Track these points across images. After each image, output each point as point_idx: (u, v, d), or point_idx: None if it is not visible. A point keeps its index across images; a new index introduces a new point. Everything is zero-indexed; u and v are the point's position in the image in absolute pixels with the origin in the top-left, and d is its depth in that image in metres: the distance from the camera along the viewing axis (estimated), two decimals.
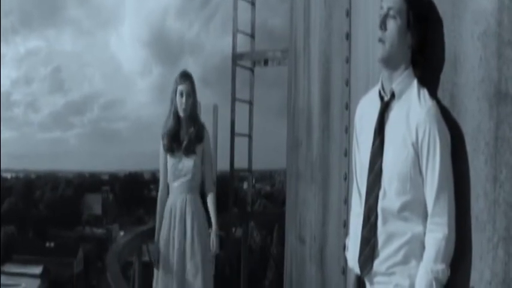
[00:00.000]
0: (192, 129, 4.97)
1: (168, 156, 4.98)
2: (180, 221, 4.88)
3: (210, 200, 5.08)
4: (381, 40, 2.51)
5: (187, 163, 4.93)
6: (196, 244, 4.87)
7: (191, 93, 4.96)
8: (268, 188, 77.82)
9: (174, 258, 4.87)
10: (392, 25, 2.50)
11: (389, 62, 2.52)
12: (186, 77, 5.00)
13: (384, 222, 2.47)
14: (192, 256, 4.85)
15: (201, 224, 4.95)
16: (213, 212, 5.04)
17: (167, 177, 4.99)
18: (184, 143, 4.94)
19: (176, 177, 4.94)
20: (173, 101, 4.97)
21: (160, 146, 5.03)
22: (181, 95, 4.93)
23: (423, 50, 2.53)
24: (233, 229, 13.63)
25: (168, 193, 5.03)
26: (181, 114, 4.95)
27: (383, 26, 2.51)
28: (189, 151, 4.93)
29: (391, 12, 2.50)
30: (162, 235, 4.94)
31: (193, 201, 4.94)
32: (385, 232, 2.47)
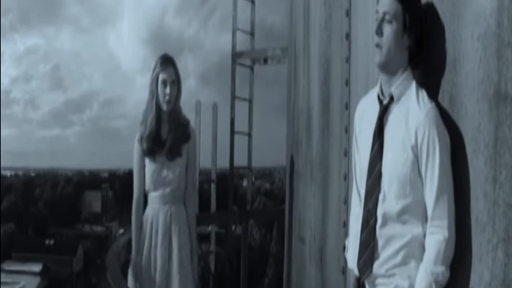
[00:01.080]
0: (176, 126, 4.13)
1: (147, 161, 4.12)
2: (164, 238, 4.06)
3: (191, 211, 4.22)
4: (377, 45, 2.52)
5: (173, 169, 4.09)
6: (185, 266, 4.08)
7: (175, 82, 4.11)
8: (267, 185, 77.84)
9: (156, 281, 4.06)
10: (388, 30, 2.50)
11: (387, 66, 2.53)
12: (168, 61, 4.13)
13: (383, 225, 2.47)
14: (180, 281, 4.05)
15: (190, 242, 4.15)
16: (193, 225, 4.20)
17: (144, 184, 4.14)
18: (168, 144, 4.09)
19: (158, 186, 4.09)
20: (153, 93, 4.09)
21: (134, 148, 4.17)
22: (165, 84, 4.07)
23: (420, 50, 2.54)
24: (233, 227, 13.63)
25: (144, 203, 4.19)
26: (164, 107, 4.08)
27: (379, 31, 2.52)
28: (173, 154, 4.09)
29: (387, 17, 2.51)
30: (141, 254, 4.11)
31: (179, 214, 4.11)
32: (385, 235, 2.47)
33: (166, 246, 4.07)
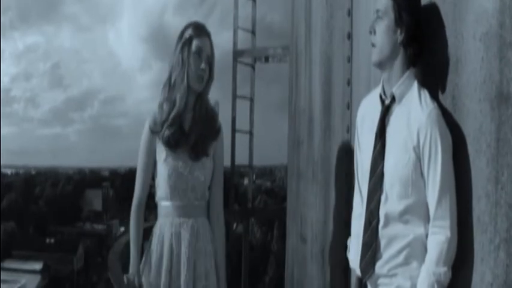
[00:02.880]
0: (204, 117, 3.19)
1: (163, 158, 3.12)
2: (189, 263, 3.08)
3: (220, 228, 3.26)
4: (373, 45, 2.54)
5: (197, 172, 3.13)
6: None
7: (210, 58, 3.17)
8: (268, 184, 77.88)
9: None
10: (380, 26, 2.52)
11: (383, 64, 2.54)
12: (203, 30, 3.18)
13: (386, 225, 2.47)
14: None
15: (215, 268, 3.19)
16: (222, 247, 3.24)
17: (148, 185, 3.19)
18: (193, 138, 3.12)
19: (178, 193, 3.12)
20: (184, 63, 3.10)
21: (143, 136, 3.18)
22: (199, 53, 3.11)
23: (418, 47, 2.53)
24: (234, 225, 13.65)
25: (144, 209, 3.21)
26: (195, 86, 3.13)
27: (372, 30, 2.54)
28: (199, 152, 3.12)
29: (379, 14, 2.53)
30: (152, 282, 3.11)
31: (206, 231, 3.17)
32: (387, 235, 2.47)
33: (191, 274, 3.08)
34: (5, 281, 43.19)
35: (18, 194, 72.52)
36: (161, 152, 3.14)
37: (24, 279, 46.52)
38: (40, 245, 57.30)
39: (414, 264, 2.42)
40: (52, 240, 59.41)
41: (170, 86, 3.16)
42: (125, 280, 3.08)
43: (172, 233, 3.12)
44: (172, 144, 3.10)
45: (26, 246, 56.00)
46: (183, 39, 3.13)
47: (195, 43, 3.11)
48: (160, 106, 3.16)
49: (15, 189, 73.99)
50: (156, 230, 3.17)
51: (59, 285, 51.60)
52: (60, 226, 67.41)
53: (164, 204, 3.17)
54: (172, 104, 3.12)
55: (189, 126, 3.16)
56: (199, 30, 3.15)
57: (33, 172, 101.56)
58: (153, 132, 3.16)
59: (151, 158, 3.17)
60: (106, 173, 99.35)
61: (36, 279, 48.64)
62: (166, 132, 3.11)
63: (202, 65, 3.11)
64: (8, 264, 49.87)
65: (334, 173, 3.89)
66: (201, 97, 3.19)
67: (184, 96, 3.11)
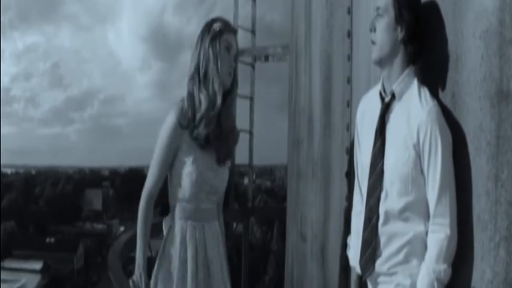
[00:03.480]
0: (231, 118, 3.04)
1: (193, 157, 2.89)
2: (218, 270, 2.99)
3: (222, 231, 3.15)
4: (373, 42, 2.54)
5: (221, 176, 3.00)
6: None
7: (236, 55, 3.02)
8: (268, 183, 77.90)
9: None
10: (380, 24, 2.52)
11: (383, 61, 2.54)
12: (231, 26, 3.03)
13: (385, 223, 2.47)
14: None
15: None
16: (224, 248, 3.15)
17: (162, 180, 2.96)
18: (228, 139, 3.00)
19: (203, 195, 2.95)
20: (216, 58, 2.89)
21: (168, 128, 2.88)
22: (228, 49, 2.93)
23: (418, 45, 2.53)
24: (234, 224, 13.64)
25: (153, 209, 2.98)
26: (226, 82, 2.93)
27: (372, 27, 2.54)
28: (228, 155, 3.00)
29: (380, 12, 2.53)
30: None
31: (221, 233, 3.10)
32: (387, 233, 2.47)
33: (220, 279, 2.99)
34: (5, 281, 43.21)
35: (18, 193, 72.60)
36: (189, 152, 2.89)
37: (24, 278, 46.55)
38: (40, 245, 57.33)
39: (414, 262, 2.42)
40: (52, 240, 59.43)
41: (200, 79, 2.90)
42: (131, 285, 2.89)
43: (196, 237, 2.93)
44: (207, 144, 2.88)
45: (26, 245, 56.04)
46: (211, 32, 2.91)
47: (225, 37, 2.92)
48: (191, 99, 2.89)
49: (15, 189, 74.08)
50: (176, 233, 2.93)
51: (59, 285, 51.63)
52: (60, 226, 67.46)
53: (185, 206, 2.95)
54: (209, 100, 2.86)
55: (224, 127, 2.96)
56: (228, 25, 2.98)
57: (33, 172, 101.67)
58: (183, 127, 2.87)
59: (173, 153, 2.90)
60: (106, 173, 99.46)
61: (36, 278, 48.67)
62: (203, 131, 2.86)
63: (232, 63, 2.94)
64: (8, 263, 49.90)
65: (334, 171, 3.89)
66: (230, 96, 2.99)
67: (221, 92, 2.88)
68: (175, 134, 2.87)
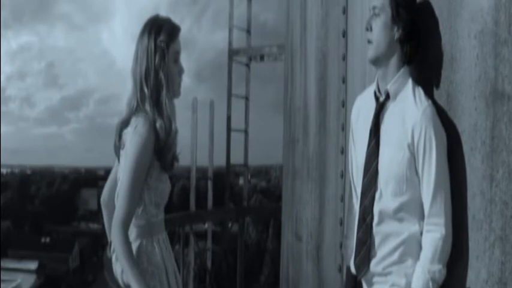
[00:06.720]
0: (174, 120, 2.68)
1: (158, 171, 2.64)
2: (178, 279, 2.79)
3: None
4: (369, 41, 2.53)
5: (168, 183, 2.75)
6: None
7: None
8: (264, 183, 77.82)
9: None
10: (377, 23, 2.51)
11: (379, 61, 2.53)
12: (177, 30, 2.68)
13: (380, 223, 2.47)
14: None
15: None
16: None
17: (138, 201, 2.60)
18: (174, 148, 2.69)
19: (163, 207, 2.74)
20: (167, 81, 2.61)
21: (147, 148, 2.55)
22: (176, 60, 2.66)
23: (414, 45, 2.53)
24: (229, 224, 13.65)
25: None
26: (176, 95, 2.70)
27: (369, 26, 2.53)
28: (174, 162, 2.71)
29: (376, 11, 2.53)
30: None
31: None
32: (381, 232, 2.47)
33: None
34: (1, 280, 43.11)
35: (14, 193, 72.44)
36: (154, 167, 2.63)
37: (19, 278, 46.43)
38: (36, 244, 57.19)
39: (409, 262, 2.42)
40: (48, 240, 59.28)
41: (153, 103, 2.61)
42: None
43: (168, 248, 2.75)
44: (167, 169, 2.67)
45: (21, 245, 55.90)
46: (158, 51, 2.60)
47: (172, 50, 2.63)
48: (152, 122, 2.59)
49: (10, 189, 73.90)
50: (154, 247, 2.67)
51: (54, 285, 51.52)
52: (55, 225, 67.31)
53: (155, 220, 2.68)
54: (165, 130, 2.59)
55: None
56: (171, 30, 2.65)
57: (28, 171, 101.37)
58: (155, 149, 2.60)
59: (145, 171, 2.61)
60: (102, 172, 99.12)
61: (31, 278, 48.52)
62: (169, 157, 2.64)
63: (181, 70, 2.69)
64: (3, 263, 49.71)
65: (329, 170, 3.89)
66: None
67: (175, 116, 2.65)
68: (149, 154, 2.59)
